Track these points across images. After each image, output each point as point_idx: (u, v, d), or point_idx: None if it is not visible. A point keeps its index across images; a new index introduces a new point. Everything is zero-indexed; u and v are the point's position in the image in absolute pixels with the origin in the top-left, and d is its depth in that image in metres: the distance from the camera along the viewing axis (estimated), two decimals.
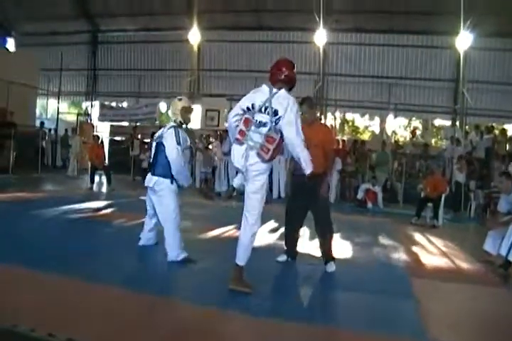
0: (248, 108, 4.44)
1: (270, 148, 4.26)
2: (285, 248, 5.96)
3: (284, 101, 4.37)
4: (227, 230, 7.86)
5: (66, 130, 19.06)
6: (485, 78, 17.92)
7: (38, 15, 21.20)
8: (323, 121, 19.02)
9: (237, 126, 4.43)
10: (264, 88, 4.53)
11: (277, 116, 4.34)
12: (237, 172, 4.67)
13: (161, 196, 5.54)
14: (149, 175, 5.63)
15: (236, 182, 4.59)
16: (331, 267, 5.59)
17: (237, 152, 4.41)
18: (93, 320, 3.46)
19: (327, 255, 5.68)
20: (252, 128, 4.35)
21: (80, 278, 4.31)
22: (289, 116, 4.33)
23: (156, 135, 5.81)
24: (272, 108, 4.35)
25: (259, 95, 4.47)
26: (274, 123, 4.34)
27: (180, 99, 5.80)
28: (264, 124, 4.35)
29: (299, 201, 5.68)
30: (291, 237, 5.88)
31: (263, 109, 4.37)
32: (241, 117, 4.44)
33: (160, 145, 5.60)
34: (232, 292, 4.32)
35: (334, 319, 3.98)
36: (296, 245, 5.94)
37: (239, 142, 4.38)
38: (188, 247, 5.57)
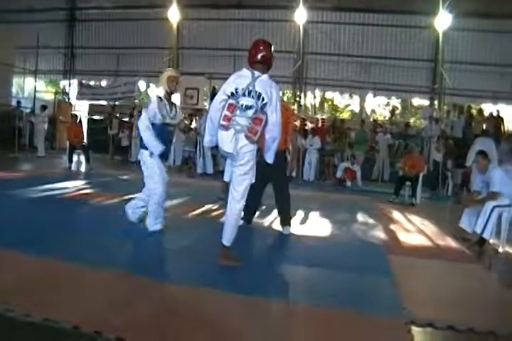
0: (232, 93, 4.44)
1: (258, 129, 4.38)
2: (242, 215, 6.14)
3: (268, 87, 4.47)
4: (208, 208, 7.89)
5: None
6: (463, 58, 18.00)
7: None
8: (302, 100, 19.11)
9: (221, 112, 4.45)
10: (245, 72, 4.55)
11: (264, 101, 4.43)
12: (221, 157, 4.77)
13: (144, 167, 5.73)
14: None
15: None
16: (287, 230, 6.34)
17: (225, 137, 4.43)
18: (71, 299, 3.45)
19: (284, 220, 6.42)
20: (238, 112, 4.40)
21: (58, 258, 4.29)
22: (275, 102, 4.46)
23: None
24: (256, 92, 4.41)
25: (241, 80, 4.48)
26: (259, 106, 4.42)
27: (167, 70, 5.99)
28: (250, 107, 4.41)
29: (261, 177, 5.56)
30: (250, 206, 6.21)
31: (247, 93, 4.41)
32: (225, 103, 4.45)
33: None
34: (206, 268, 4.41)
35: (309, 296, 4.01)
36: (254, 213, 6.67)
37: (225, 128, 4.40)
38: (170, 224, 5.65)
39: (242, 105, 4.41)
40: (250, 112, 4.41)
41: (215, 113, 4.52)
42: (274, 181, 6.39)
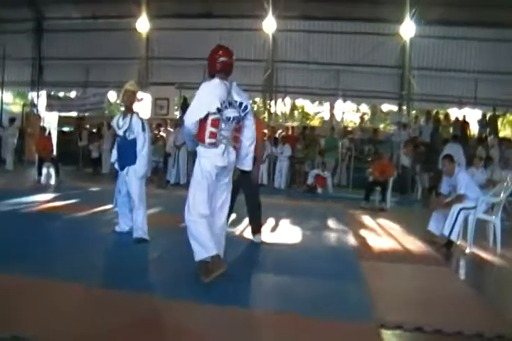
0: (218, 108, 4.23)
1: (239, 136, 4.44)
2: None
3: (243, 94, 4.46)
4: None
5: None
6: (430, 65, 18.32)
7: None
8: (272, 108, 19.21)
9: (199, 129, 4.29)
10: (218, 82, 4.35)
11: (246, 110, 4.41)
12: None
13: None
14: None
15: None
16: (258, 238, 6.32)
17: (216, 154, 4.29)
18: (38, 315, 3.39)
19: (255, 228, 6.39)
20: (223, 126, 4.27)
21: (26, 273, 4.21)
22: (250, 109, 4.47)
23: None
24: (236, 101, 4.33)
25: (219, 92, 4.28)
26: (242, 116, 4.40)
27: (126, 84, 6.03)
28: (235, 118, 4.34)
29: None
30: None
31: (228, 105, 4.28)
32: (205, 118, 4.24)
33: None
34: (175, 279, 4.43)
35: (280, 303, 4.03)
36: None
37: (214, 145, 4.26)
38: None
39: (227, 118, 4.28)
40: (234, 123, 4.34)
41: (193, 128, 4.29)
42: (245, 189, 6.35)
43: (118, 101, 5.97)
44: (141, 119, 5.95)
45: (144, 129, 5.83)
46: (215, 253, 4.22)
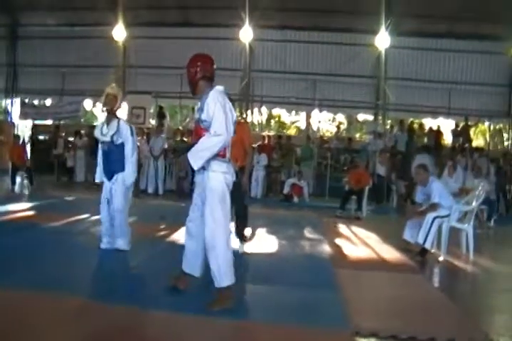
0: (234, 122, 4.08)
1: None
2: None
3: None
4: (157, 227, 7.84)
5: None
6: (405, 75, 18.60)
7: None
8: (249, 118, 19.25)
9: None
10: (222, 89, 4.14)
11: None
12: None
13: None
14: None
15: None
16: (242, 248, 6.27)
17: (232, 170, 4.14)
18: (16, 327, 3.34)
19: (242, 237, 6.43)
20: None
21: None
22: None
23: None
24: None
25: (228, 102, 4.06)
26: None
27: (107, 87, 5.88)
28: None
29: None
30: None
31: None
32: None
33: None
34: (153, 290, 4.38)
35: (253, 312, 4.03)
36: None
37: (230, 160, 4.09)
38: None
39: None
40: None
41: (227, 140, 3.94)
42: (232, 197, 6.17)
43: (100, 106, 5.78)
44: (129, 125, 5.80)
45: (132, 134, 5.68)
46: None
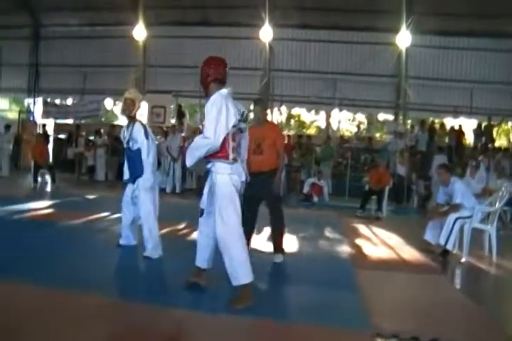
0: (239, 120, 4.08)
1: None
2: None
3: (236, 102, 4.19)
4: (176, 226, 7.86)
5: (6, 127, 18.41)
6: (426, 74, 18.42)
7: None
8: (269, 117, 19.21)
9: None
10: (228, 93, 4.13)
11: (247, 118, 4.27)
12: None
13: None
14: None
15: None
16: (279, 258, 5.80)
17: (240, 169, 4.12)
18: (35, 324, 3.36)
19: (278, 246, 5.92)
20: (237, 139, 4.10)
21: (23, 281, 4.18)
22: None
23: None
24: (240, 110, 4.13)
25: (231, 102, 4.06)
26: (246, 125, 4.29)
27: (126, 92, 5.91)
28: (245, 129, 4.24)
29: (253, 197, 5.68)
30: (248, 229, 5.90)
31: (240, 115, 4.09)
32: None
33: None
34: (172, 288, 4.42)
35: (276, 312, 4.02)
36: (250, 237, 6.08)
37: (235, 160, 4.05)
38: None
39: (240, 129, 4.13)
40: (242, 134, 4.21)
41: (219, 146, 3.93)
42: (267, 203, 6.09)
43: (119, 111, 5.88)
44: (144, 127, 5.73)
45: (147, 137, 5.63)
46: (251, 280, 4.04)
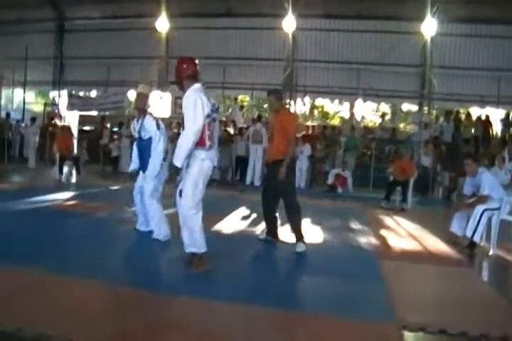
0: (213, 110, 4.56)
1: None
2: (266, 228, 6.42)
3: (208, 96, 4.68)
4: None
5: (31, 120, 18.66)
6: (451, 63, 18.14)
7: (2, 3, 20.60)
8: (292, 108, 19.16)
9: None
10: (200, 87, 4.64)
11: (218, 110, 4.81)
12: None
13: None
14: None
15: None
16: (300, 247, 5.80)
17: (214, 155, 4.61)
18: (64, 313, 3.39)
19: (296, 235, 5.93)
20: (211, 127, 4.55)
21: (49, 270, 4.23)
22: None
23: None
24: (212, 103, 4.60)
25: (203, 95, 4.52)
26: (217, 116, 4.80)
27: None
28: (216, 119, 4.75)
29: (268, 186, 6.23)
30: (268, 219, 6.31)
31: (212, 106, 4.56)
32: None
33: None
34: (200, 279, 4.38)
35: (300, 303, 4.02)
36: (274, 225, 6.32)
37: (211, 147, 4.53)
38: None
39: (213, 119, 4.59)
40: (215, 124, 4.67)
41: (198, 135, 4.41)
42: (279, 191, 6.12)
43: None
44: (156, 119, 6.08)
45: (158, 128, 5.96)
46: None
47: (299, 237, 5.90)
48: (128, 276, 4.49)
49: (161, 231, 5.87)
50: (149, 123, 5.96)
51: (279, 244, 6.22)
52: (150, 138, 5.95)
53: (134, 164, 6.25)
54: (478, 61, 17.96)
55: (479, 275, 5.65)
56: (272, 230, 6.32)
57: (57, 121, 18.35)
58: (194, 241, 4.50)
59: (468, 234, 6.49)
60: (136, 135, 6.13)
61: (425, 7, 16.37)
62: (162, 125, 6.11)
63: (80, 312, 3.44)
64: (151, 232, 6.01)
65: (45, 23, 22.15)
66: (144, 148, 6.01)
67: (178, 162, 4.41)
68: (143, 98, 6.17)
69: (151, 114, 6.14)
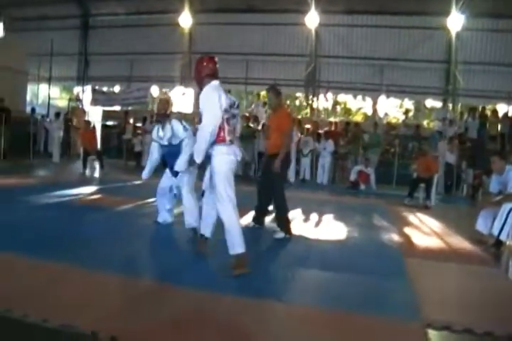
0: (231, 106, 4.56)
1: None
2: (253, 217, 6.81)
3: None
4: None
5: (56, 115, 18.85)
6: (476, 59, 17.89)
7: (27, 0, 20.89)
8: (315, 104, 19.11)
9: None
10: (218, 84, 4.64)
11: (238, 108, 4.77)
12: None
13: None
14: None
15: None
16: (278, 234, 6.22)
17: (236, 150, 4.58)
18: (87, 306, 3.44)
19: (278, 225, 6.35)
20: (230, 123, 4.55)
21: (73, 264, 4.29)
22: None
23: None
24: (231, 99, 4.62)
25: (222, 92, 4.54)
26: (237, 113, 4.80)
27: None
28: (236, 115, 4.72)
29: (263, 179, 6.70)
30: (259, 209, 6.73)
31: (231, 102, 4.58)
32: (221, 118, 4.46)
33: None
34: (221, 274, 4.39)
35: (326, 300, 3.99)
36: (262, 215, 6.78)
37: (232, 142, 4.53)
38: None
39: (233, 115, 4.60)
40: (235, 120, 4.66)
41: (215, 131, 4.41)
42: (271, 184, 6.47)
43: (154, 110, 6.44)
44: (180, 121, 6.20)
45: (186, 129, 6.09)
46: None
47: (282, 227, 6.28)
48: (152, 270, 4.55)
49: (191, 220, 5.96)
50: (178, 129, 6.07)
51: (300, 240, 6.25)
52: (181, 142, 6.06)
53: (149, 172, 6.45)
54: (505, 56, 17.65)
55: (505, 274, 5.55)
56: (258, 217, 6.72)
57: (79, 118, 18.55)
58: (233, 241, 4.43)
59: (495, 232, 6.37)
60: (165, 143, 6.17)
61: (450, 2, 16.16)
62: (187, 126, 6.20)
63: (104, 305, 3.48)
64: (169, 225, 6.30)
65: (70, 19, 22.45)
66: (175, 153, 6.07)
67: (197, 157, 4.46)
68: (165, 103, 6.28)
69: (175, 118, 6.26)
